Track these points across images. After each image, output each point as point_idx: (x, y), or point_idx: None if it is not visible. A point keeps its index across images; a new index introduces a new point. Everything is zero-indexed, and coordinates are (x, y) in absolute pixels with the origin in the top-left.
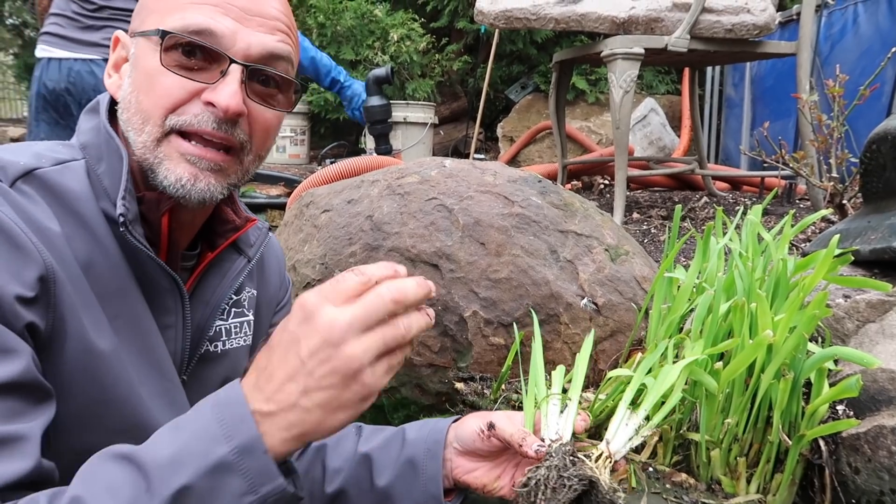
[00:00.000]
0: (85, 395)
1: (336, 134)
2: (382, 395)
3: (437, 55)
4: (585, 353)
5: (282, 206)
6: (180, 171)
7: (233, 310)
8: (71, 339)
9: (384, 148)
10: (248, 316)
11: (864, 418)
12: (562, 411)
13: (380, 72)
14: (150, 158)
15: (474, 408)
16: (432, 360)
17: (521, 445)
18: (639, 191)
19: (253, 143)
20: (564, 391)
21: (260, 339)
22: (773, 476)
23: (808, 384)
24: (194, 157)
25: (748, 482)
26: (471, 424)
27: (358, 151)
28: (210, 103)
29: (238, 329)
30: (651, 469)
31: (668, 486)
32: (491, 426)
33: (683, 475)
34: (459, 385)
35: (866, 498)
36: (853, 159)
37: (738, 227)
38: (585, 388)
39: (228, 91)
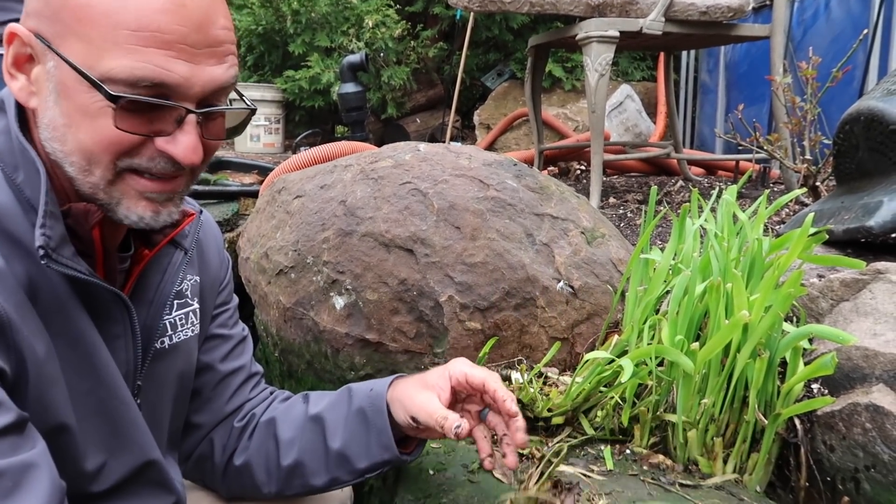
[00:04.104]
0: (39, 422)
1: (311, 122)
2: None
3: (412, 42)
4: None
5: (255, 194)
6: (141, 209)
7: (176, 302)
8: (31, 372)
9: (360, 136)
10: (192, 305)
11: (839, 396)
12: None
13: (354, 58)
14: (104, 198)
15: None
16: (408, 346)
17: (442, 427)
18: (615, 176)
19: (202, 165)
20: (541, 374)
21: (204, 322)
22: (750, 456)
23: (784, 364)
24: (153, 193)
25: (725, 462)
26: (413, 375)
27: (333, 140)
28: (166, 153)
29: (184, 320)
30: (628, 451)
31: (645, 467)
32: (415, 419)
33: (660, 457)
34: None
35: (841, 475)
36: (826, 141)
37: (713, 209)
38: (563, 371)
39: (188, 144)
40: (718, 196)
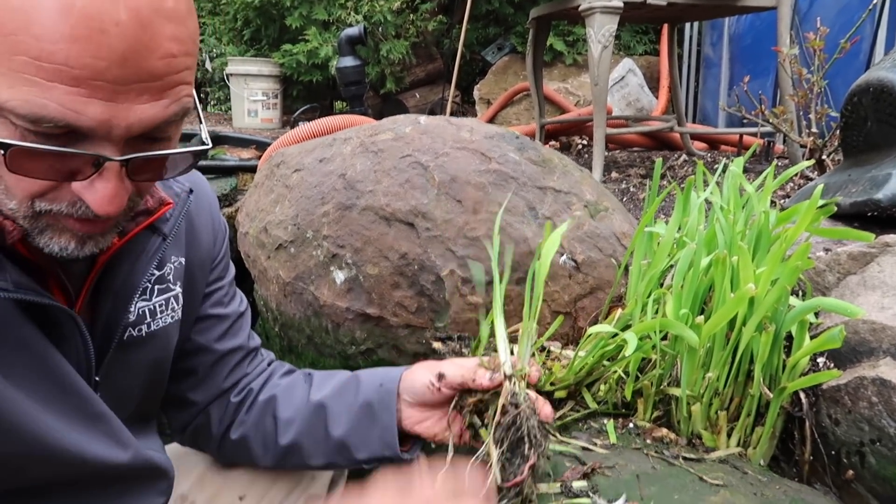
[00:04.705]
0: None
1: (309, 97)
2: (359, 358)
3: (411, 15)
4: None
5: (252, 169)
6: (63, 241)
7: (156, 287)
8: None
9: (359, 110)
10: (174, 290)
11: (845, 370)
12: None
13: (353, 31)
14: (24, 224)
15: None
16: (409, 320)
17: (474, 381)
18: (617, 151)
19: (142, 196)
20: (543, 349)
21: (193, 303)
22: (754, 430)
23: (789, 338)
24: (80, 232)
25: (728, 436)
26: (420, 377)
27: (332, 114)
28: (83, 200)
29: (164, 307)
30: (632, 425)
31: (648, 441)
32: (441, 376)
33: (664, 430)
34: (437, 345)
35: (846, 449)
36: (833, 114)
37: (718, 183)
38: (565, 345)
39: (104, 195)
40: (724, 170)
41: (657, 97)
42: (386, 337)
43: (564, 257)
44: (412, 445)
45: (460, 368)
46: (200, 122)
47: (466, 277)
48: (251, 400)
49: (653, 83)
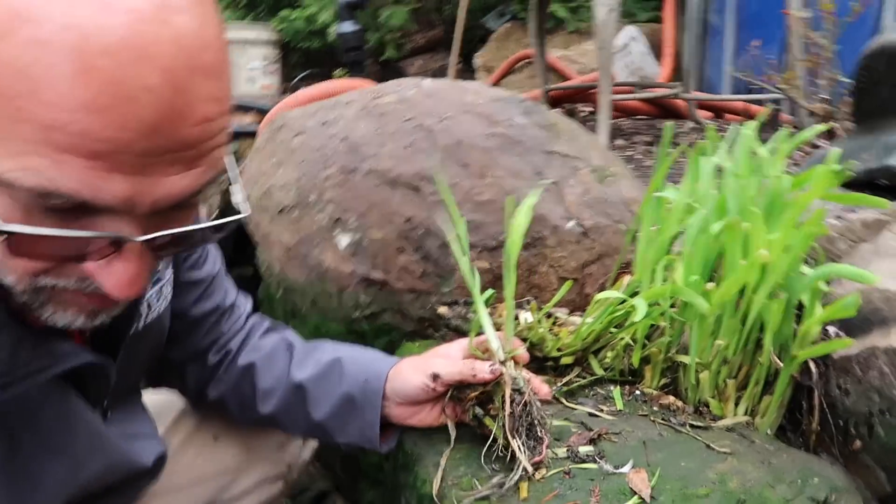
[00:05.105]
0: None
1: (308, 64)
2: (364, 322)
3: None
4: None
5: (253, 135)
6: (71, 315)
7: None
8: None
9: (359, 77)
10: (166, 276)
11: (857, 339)
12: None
13: None
14: (25, 299)
15: (459, 332)
16: (414, 285)
17: (474, 376)
18: (621, 119)
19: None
20: (549, 315)
21: (175, 276)
22: (762, 399)
23: (800, 308)
24: (90, 306)
25: (736, 405)
26: (412, 380)
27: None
28: (96, 281)
29: (158, 295)
30: (638, 392)
31: (655, 408)
32: (436, 377)
33: (671, 398)
34: (443, 310)
35: (855, 419)
36: (844, 79)
37: (728, 150)
38: (572, 311)
39: (123, 278)
40: (732, 137)
41: (661, 66)
42: (390, 301)
43: (572, 223)
44: (392, 434)
45: (454, 365)
46: (234, 184)
47: (473, 242)
48: (229, 360)
49: (657, 51)
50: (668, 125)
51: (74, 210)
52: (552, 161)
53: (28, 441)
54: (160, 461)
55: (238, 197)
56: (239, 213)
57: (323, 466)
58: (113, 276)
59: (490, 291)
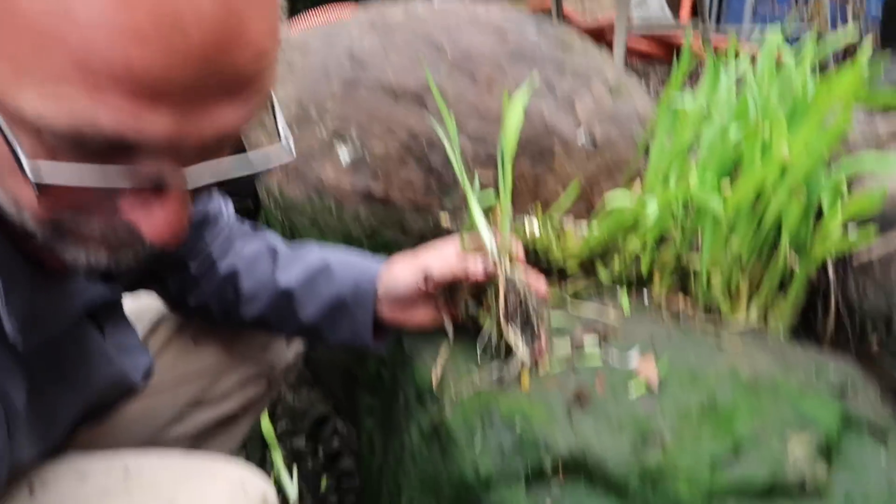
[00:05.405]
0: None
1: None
2: (364, 238)
3: None
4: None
5: None
6: (93, 251)
7: None
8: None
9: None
10: None
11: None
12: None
13: None
14: (41, 240)
15: None
16: (416, 199)
17: (467, 277)
18: (635, 61)
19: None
20: (555, 224)
21: None
22: (775, 302)
23: (819, 214)
24: (115, 244)
25: (748, 308)
26: (403, 279)
27: None
28: (133, 225)
29: None
30: (646, 295)
31: (664, 311)
32: (428, 277)
33: (681, 301)
34: (444, 219)
35: (872, 320)
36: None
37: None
38: (579, 219)
39: (165, 224)
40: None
41: (678, 18)
42: (391, 217)
43: (583, 136)
44: (385, 335)
45: (446, 263)
46: (276, 118)
47: (478, 153)
48: (210, 268)
49: (673, 2)
50: (688, 33)
51: (109, 150)
52: (564, 75)
53: (50, 378)
54: (149, 372)
55: (283, 130)
56: (282, 142)
57: (322, 392)
58: (154, 221)
59: (489, 191)
